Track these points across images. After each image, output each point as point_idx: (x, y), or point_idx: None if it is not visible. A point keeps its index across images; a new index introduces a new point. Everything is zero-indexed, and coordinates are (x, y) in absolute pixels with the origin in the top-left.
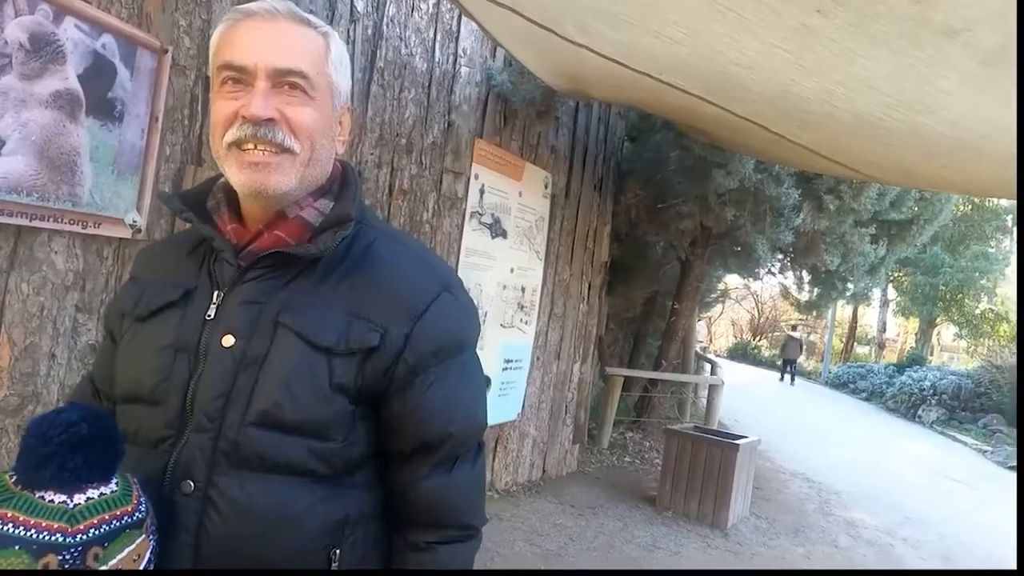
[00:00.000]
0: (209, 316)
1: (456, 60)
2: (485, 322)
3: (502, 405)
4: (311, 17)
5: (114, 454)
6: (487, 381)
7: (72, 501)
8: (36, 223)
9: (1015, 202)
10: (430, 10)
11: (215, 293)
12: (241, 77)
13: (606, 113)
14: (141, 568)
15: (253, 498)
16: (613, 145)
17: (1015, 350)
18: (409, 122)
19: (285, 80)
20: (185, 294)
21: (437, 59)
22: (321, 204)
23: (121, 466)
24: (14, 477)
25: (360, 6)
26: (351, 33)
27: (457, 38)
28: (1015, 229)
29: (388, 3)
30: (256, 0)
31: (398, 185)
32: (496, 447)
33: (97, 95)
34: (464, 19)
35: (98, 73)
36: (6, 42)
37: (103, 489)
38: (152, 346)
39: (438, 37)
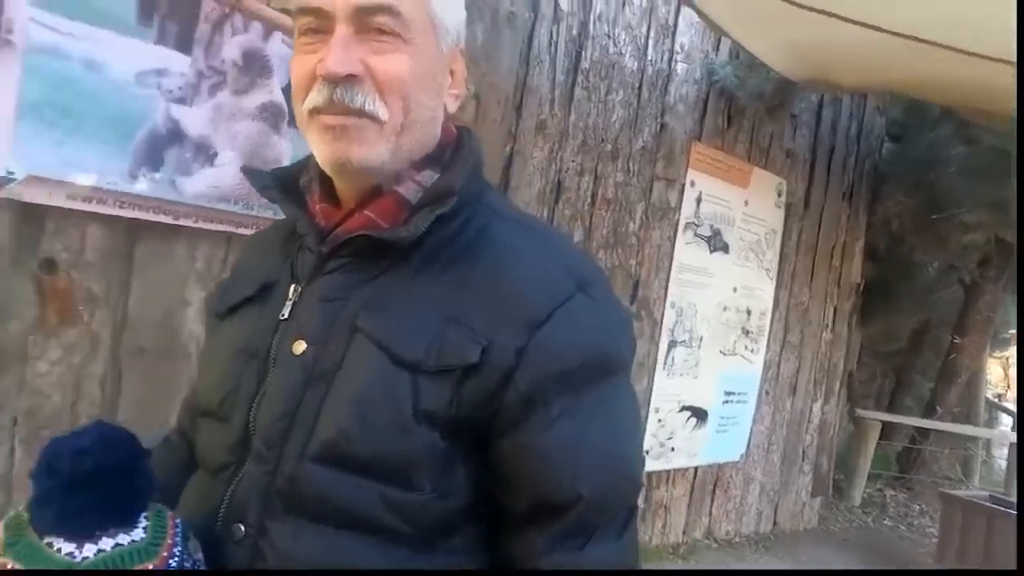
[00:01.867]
0: (283, 316)
1: (672, 57)
2: (700, 346)
3: (721, 443)
4: None
5: (135, 491)
6: (635, 418)
7: (80, 553)
8: (241, 230)
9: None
10: (643, 4)
11: (292, 287)
12: (319, 24)
13: (859, 108)
14: None
15: (309, 555)
16: (869, 145)
17: None
18: (616, 126)
19: (371, 21)
20: (263, 288)
21: (650, 57)
22: (424, 176)
23: (186, 493)
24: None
25: (564, 4)
26: (554, 33)
27: (674, 33)
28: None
29: (596, 1)
30: None
31: (601, 194)
32: (715, 490)
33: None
34: (682, 13)
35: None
36: (223, 60)
37: (122, 538)
38: (226, 350)
39: (651, 33)
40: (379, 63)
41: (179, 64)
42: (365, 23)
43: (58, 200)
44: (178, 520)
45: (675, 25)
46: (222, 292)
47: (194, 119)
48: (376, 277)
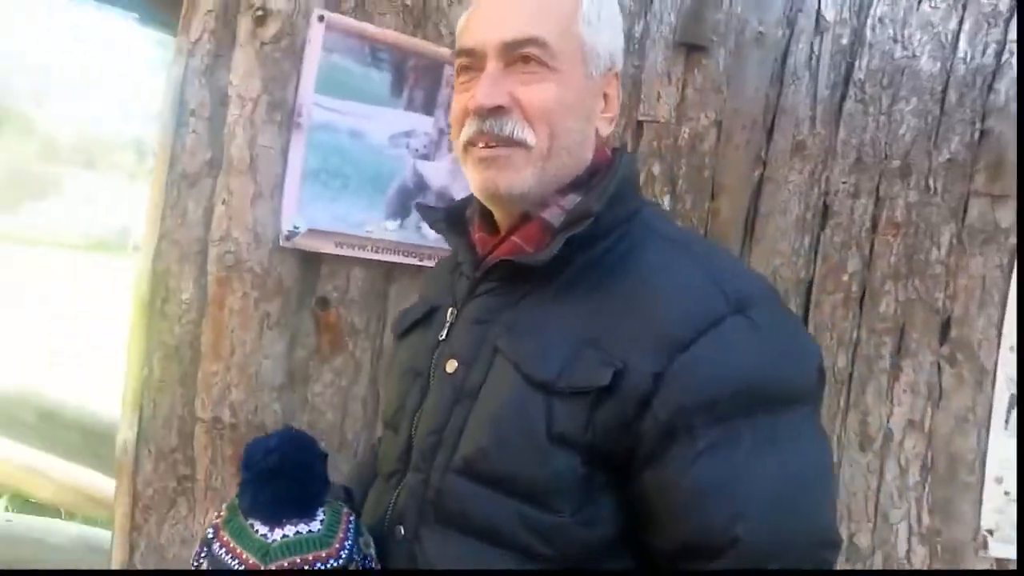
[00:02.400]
0: (441, 337)
1: (1002, 50)
2: None
3: None
4: None
5: (312, 489)
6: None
7: (271, 536)
8: None
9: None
10: None
11: (450, 311)
12: (473, 63)
13: None
14: None
15: (454, 564)
16: None
17: None
18: (905, 139)
19: (518, 54)
20: (429, 312)
21: (961, 54)
22: (567, 200)
23: (370, 494)
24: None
25: (830, 15)
26: (815, 47)
27: (1007, 20)
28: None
29: (876, 2)
30: None
31: (886, 217)
32: None
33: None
34: None
35: None
36: None
37: (302, 527)
38: (399, 368)
39: (966, 26)
40: (526, 93)
41: (424, 125)
42: (513, 56)
43: (329, 248)
44: (352, 517)
45: (1010, 12)
46: (402, 316)
47: (436, 172)
48: (519, 300)
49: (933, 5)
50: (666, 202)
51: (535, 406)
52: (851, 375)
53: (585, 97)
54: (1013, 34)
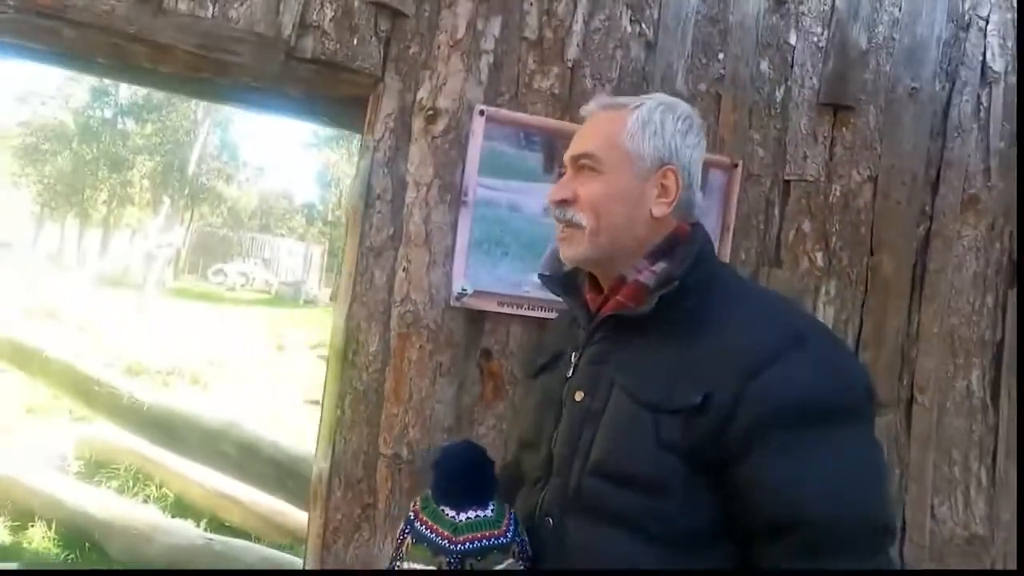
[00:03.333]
0: (569, 375)
1: None
2: None
3: None
4: (622, 99)
5: (484, 486)
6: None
7: (458, 517)
8: None
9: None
10: None
11: (574, 355)
12: (563, 170)
13: None
14: None
15: (592, 541)
16: None
17: None
18: None
19: (580, 163)
20: (556, 356)
21: None
22: (658, 267)
23: (518, 499)
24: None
25: (998, 64)
26: (982, 98)
27: None
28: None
29: None
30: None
31: None
32: None
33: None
34: None
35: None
36: None
37: (480, 512)
38: (534, 400)
39: None
40: (581, 190)
41: None
42: (578, 166)
43: (492, 306)
44: (513, 511)
45: None
46: (531, 361)
47: None
48: (628, 344)
49: None
50: (818, 259)
51: (645, 421)
52: None
53: (631, 188)
54: None
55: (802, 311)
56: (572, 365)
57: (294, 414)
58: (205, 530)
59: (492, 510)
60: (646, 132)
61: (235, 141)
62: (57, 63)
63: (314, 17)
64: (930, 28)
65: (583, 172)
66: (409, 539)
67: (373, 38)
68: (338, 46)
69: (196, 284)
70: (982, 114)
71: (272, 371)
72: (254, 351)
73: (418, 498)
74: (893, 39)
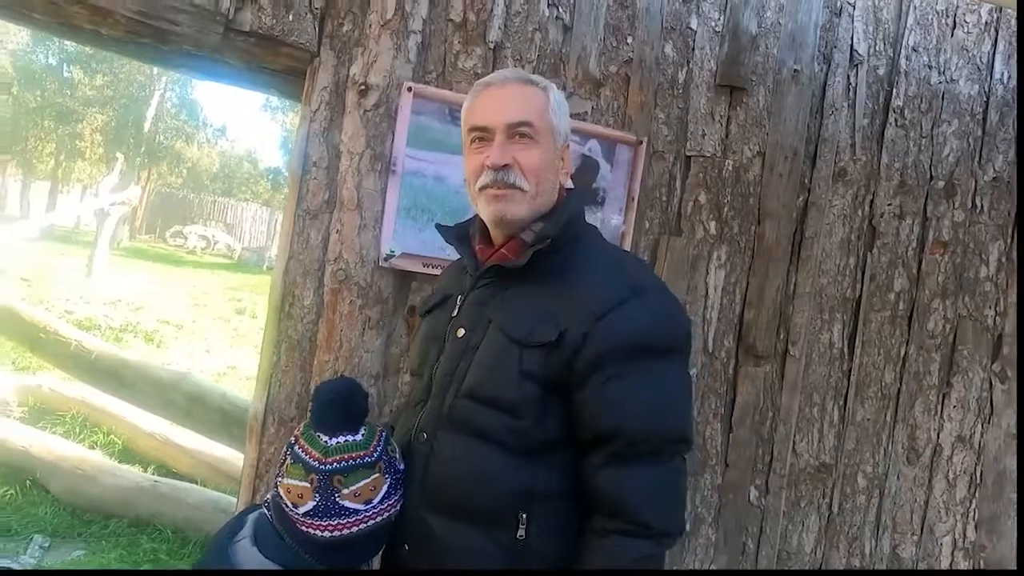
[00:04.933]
0: (454, 314)
1: None
2: None
3: None
4: (534, 76)
5: (356, 414)
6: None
7: (330, 441)
8: None
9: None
10: (982, 20)
11: (460, 297)
12: (484, 135)
13: None
14: (378, 499)
15: (461, 452)
16: None
17: None
18: (949, 160)
19: (516, 131)
20: (445, 298)
21: (999, 75)
22: (537, 226)
23: (400, 418)
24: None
25: (863, 48)
26: (851, 79)
27: None
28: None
29: (907, 34)
30: (493, 73)
31: (933, 237)
32: None
33: (584, 187)
34: None
35: (586, 171)
36: None
37: (349, 437)
38: (424, 335)
39: (1000, 48)
40: (522, 156)
41: None
42: (512, 132)
43: (417, 268)
44: (383, 433)
45: None
46: (425, 301)
47: None
48: (506, 290)
49: (966, 31)
50: (712, 227)
51: (512, 354)
52: (899, 391)
53: (554, 159)
54: None
55: (645, 269)
56: (457, 307)
57: (248, 373)
58: (152, 474)
59: (362, 434)
60: (560, 110)
61: (195, 100)
62: None
63: None
64: (808, 14)
65: (520, 140)
66: (288, 460)
67: (308, 15)
68: (274, 21)
69: (153, 245)
70: (851, 94)
71: (229, 332)
72: (212, 313)
73: (301, 424)
74: (779, 24)
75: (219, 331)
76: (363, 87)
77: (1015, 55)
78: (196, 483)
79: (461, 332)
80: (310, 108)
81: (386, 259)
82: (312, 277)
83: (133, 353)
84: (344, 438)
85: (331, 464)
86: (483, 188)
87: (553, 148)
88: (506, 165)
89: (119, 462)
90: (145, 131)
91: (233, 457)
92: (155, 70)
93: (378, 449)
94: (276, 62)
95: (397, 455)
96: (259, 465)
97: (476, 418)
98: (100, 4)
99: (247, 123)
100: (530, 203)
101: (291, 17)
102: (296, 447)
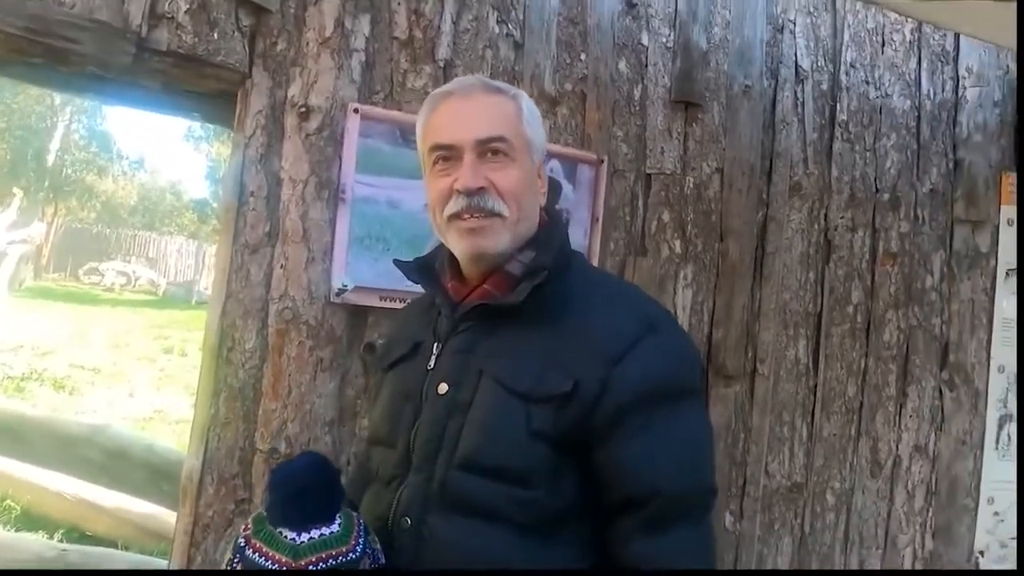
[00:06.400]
0: (430, 367)
1: (957, 84)
2: None
3: None
4: (501, 84)
5: (332, 500)
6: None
7: (299, 539)
8: None
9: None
10: (907, 39)
11: (435, 345)
12: (450, 154)
13: None
14: None
15: (459, 538)
16: None
17: None
18: (892, 172)
19: (488, 147)
20: (414, 347)
21: (926, 91)
22: (524, 256)
23: (365, 499)
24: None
25: (806, 64)
26: (798, 94)
27: (955, 58)
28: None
29: (844, 50)
30: (453, 80)
31: (883, 248)
32: None
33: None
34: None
35: (550, 192)
36: None
37: (324, 530)
38: (390, 394)
39: (924, 65)
40: (498, 178)
41: None
42: (483, 150)
43: (373, 301)
44: (361, 519)
45: (956, 50)
46: (383, 353)
47: None
48: (494, 333)
49: (894, 48)
50: (677, 246)
51: (517, 411)
52: (861, 404)
53: (533, 178)
54: (963, 70)
55: (647, 296)
56: (434, 356)
57: (179, 417)
58: (60, 541)
59: (339, 524)
60: (534, 121)
61: (107, 131)
62: None
63: (166, 8)
64: (753, 30)
65: (494, 157)
66: (240, 567)
67: (236, 32)
68: (196, 39)
69: (64, 284)
70: (799, 108)
71: (155, 373)
72: (135, 354)
73: (249, 520)
74: (727, 40)
75: (143, 373)
76: (304, 109)
77: (937, 72)
78: (117, 547)
79: (444, 388)
80: (244, 134)
81: (338, 294)
82: (254, 317)
83: (38, 405)
84: (318, 532)
85: (306, 569)
86: (453, 217)
87: (531, 165)
88: (480, 188)
89: (15, 531)
90: (49, 164)
91: (161, 513)
92: (57, 100)
93: (360, 541)
94: (200, 84)
95: (378, 545)
96: (195, 530)
97: (478, 494)
98: None
99: (167, 154)
100: (512, 231)
101: (216, 35)
102: (249, 551)
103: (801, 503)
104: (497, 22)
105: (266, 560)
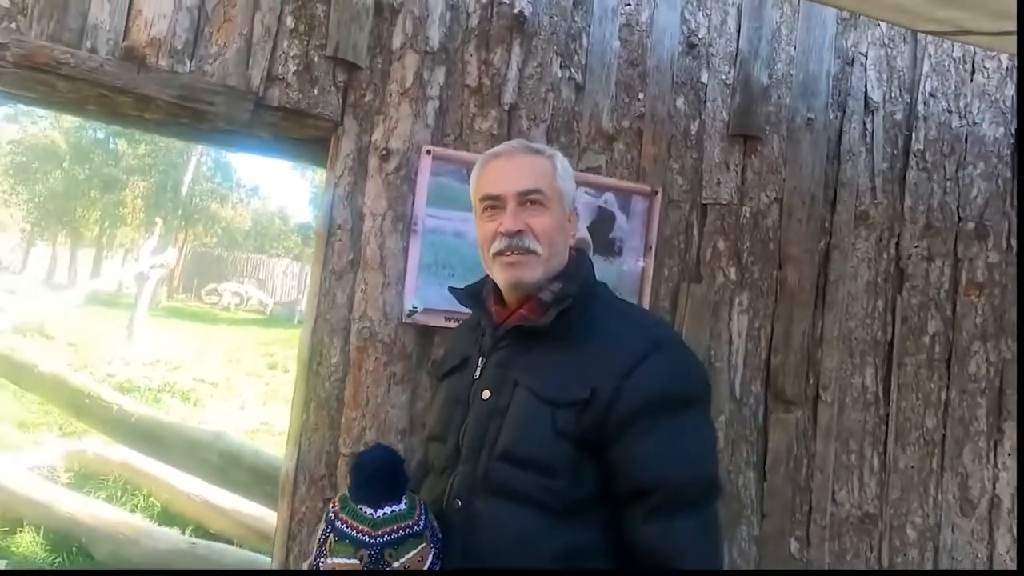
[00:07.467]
0: (476, 376)
1: None
2: None
3: None
4: (539, 146)
5: (400, 483)
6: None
7: (376, 513)
8: None
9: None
10: (1002, 65)
11: (480, 359)
12: (496, 204)
13: None
14: (426, 567)
15: (498, 517)
16: None
17: None
18: (978, 201)
19: (528, 198)
20: (464, 360)
21: None
22: (554, 285)
23: (423, 488)
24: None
25: (876, 95)
26: (867, 125)
27: None
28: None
29: (923, 80)
30: (500, 144)
31: (966, 278)
32: None
33: (602, 238)
34: None
35: (602, 222)
36: None
37: (395, 507)
38: (443, 399)
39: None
40: (535, 223)
41: None
42: (523, 200)
43: (439, 322)
44: (423, 501)
45: None
46: (440, 364)
47: None
48: (529, 350)
49: (986, 75)
50: (732, 273)
51: (545, 414)
52: (943, 436)
53: (563, 222)
54: None
55: (657, 320)
56: (479, 368)
57: (281, 430)
58: (191, 536)
59: (405, 503)
60: (567, 176)
61: (228, 163)
62: (50, 108)
63: (279, 71)
64: (820, 64)
65: (531, 206)
66: (332, 537)
67: (332, 87)
68: (300, 95)
69: (190, 304)
70: (867, 139)
71: (262, 388)
72: (245, 369)
73: (336, 499)
74: (790, 75)
75: (252, 387)
76: (384, 152)
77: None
78: (232, 543)
79: (487, 394)
80: (334, 174)
81: (409, 315)
82: (339, 335)
83: (171, 413)
84: (390, 508)
85: (382, 536)
86: (497, 254)
87: (562, 212)
88: (520, 231)
89: (158, 524)
90: (182, 195)
91: (267, 515)
92: None
93: (422, 517)
94: (302, 132)
95: (435, 522)
96: (291, 524)
97: (514, 481)
98: (144, 92)
99: (278, 182)
100: (544, 265)
101: (316, 91)
102: (338, 523)
103: (876, 535)
104: (560, 67)
105: (352, 530)
